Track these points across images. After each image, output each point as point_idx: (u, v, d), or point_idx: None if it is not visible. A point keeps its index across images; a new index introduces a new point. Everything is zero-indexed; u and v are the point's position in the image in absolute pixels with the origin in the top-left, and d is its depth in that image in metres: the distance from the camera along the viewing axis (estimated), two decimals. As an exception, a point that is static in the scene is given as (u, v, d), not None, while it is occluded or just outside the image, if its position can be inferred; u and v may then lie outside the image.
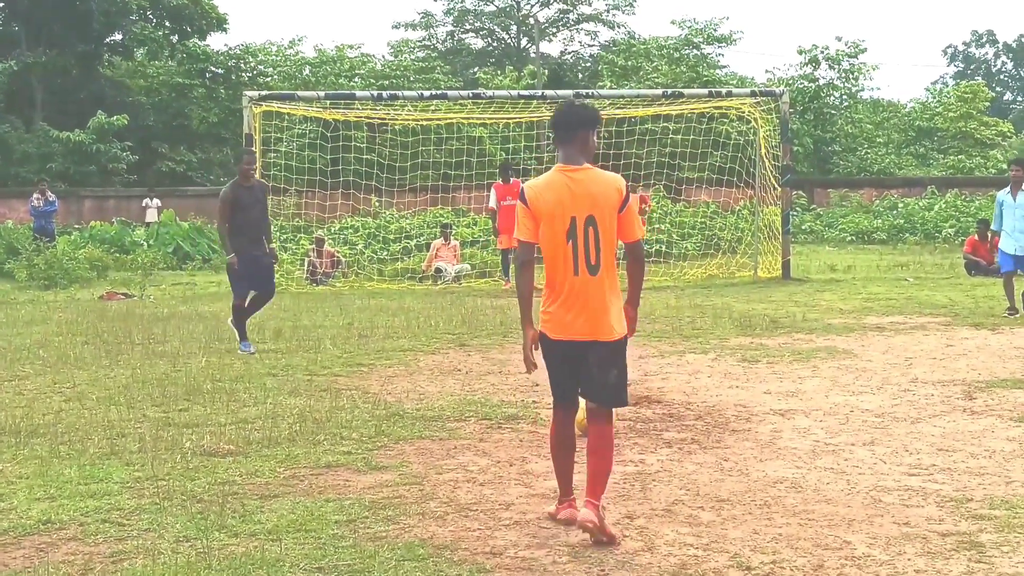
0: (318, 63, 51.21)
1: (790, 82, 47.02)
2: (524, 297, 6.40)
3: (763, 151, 23.59)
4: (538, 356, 6.41)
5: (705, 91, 28.49)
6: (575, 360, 6.33)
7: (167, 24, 50.03)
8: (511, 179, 22.61)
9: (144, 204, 37.85)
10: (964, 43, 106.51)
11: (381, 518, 6.46)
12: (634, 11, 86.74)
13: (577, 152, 6.37)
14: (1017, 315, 15.68)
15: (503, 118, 27.98)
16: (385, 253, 26.41)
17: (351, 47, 53.05)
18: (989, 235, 18.06)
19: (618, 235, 6.35)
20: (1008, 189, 16.21)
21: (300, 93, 29.20)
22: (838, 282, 21.56)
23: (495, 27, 72.56)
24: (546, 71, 58.28)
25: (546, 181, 6.41)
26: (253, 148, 14.41)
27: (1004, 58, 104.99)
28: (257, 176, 22.02)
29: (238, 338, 13.23)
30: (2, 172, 42.94)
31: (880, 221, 36.71)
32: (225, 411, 9.47)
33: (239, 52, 50.64)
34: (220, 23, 50.20)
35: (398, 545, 5.96)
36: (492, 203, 22.51)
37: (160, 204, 37.49)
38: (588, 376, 6.33)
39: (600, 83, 49.07)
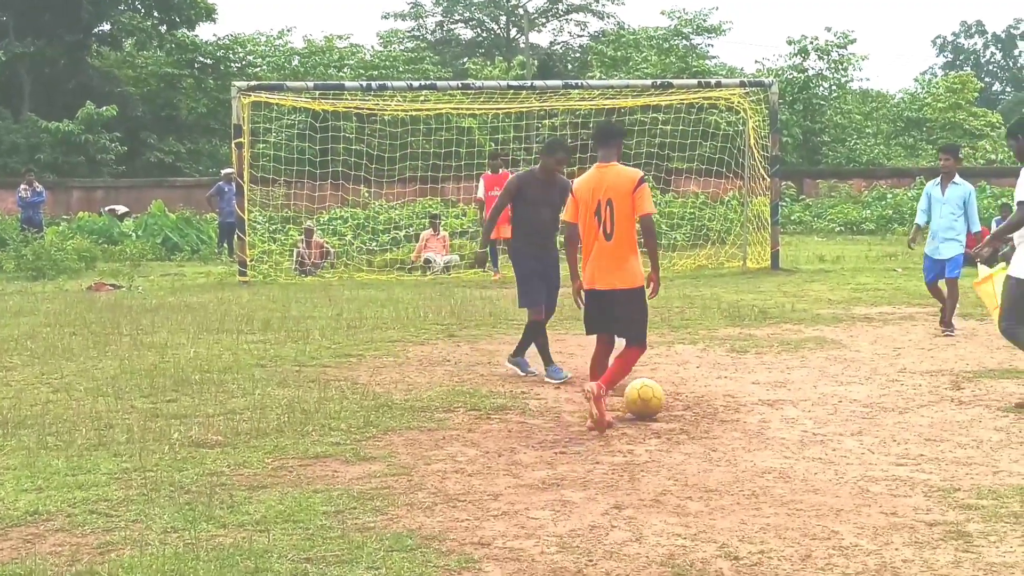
0: (307, 53, 51.11)
1: (779, 72, 47.01)
2: (571, 261, 9.28)
3: (752, 141, 23.58)
4: None
5: (694, 82, 28.49)
6: (600, 303, 8.86)
7: (156, 14, 49.77)
8: (500, 170, 22.58)
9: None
10: (953, 33, 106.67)
11: (369, 509, 6.46)
12: (623, 1, 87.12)
13: (611, 154, 8.89)
14: (953, 332, 13.40)
15: (492, 109, 27.89)
16: (374, 244, 26.35)
17: (340, 37, 52.98)
18: (913, 231, 14.89)
19: (633, 211, 8.69)
20: (938, 180, 14.17)
21: (289, 84, 29.10)
22: (827, 272, 21.59)
23: (484, 17, 72.52)
24: (535, 61, 58.26)
25: (586, 176, 8.99)
26: (567, 146, 11.77)
27: (993, 48, 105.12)
28: (245, 167, 22.23)
29: (542, 364, 10.86)
30: (-10, 163, 42.80)
31: (869, 211, 36.76)
32: (213, 402, 9.46)
33: (228, 42, 50.50)
34: (209, 13, 49.97)
35: (386, 536, 5.96)
36: (480, 194, 22.47)
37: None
38: (617, 318, 8.87)
39: (589, 73, 49.03)
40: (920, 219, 14.28)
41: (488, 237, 11.81)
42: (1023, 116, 14.15)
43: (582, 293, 9.06)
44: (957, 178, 14.01)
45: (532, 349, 10.91)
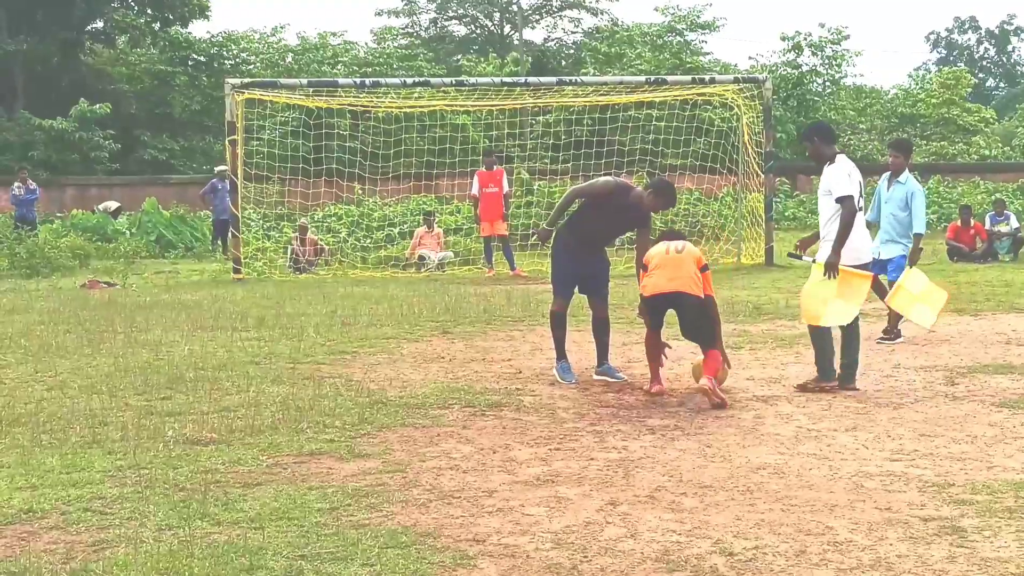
0: (301, 51, 51.00)
1: (773, 69, 46.93)
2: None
3: (746, 138, 23.60)
4: None
5: (688, 78, 28.48)
6: (663, 307, 9.81)
7: (149, 12, 49.62)
8: (494, 167, 22.59)
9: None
10: (947, 29, 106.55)
11: (364, 505, 6.45)
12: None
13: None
14: (899, 339, 12.78)
15: (486, 105, 27.92)
16: (368, 241, 26.36)
17: (334, 34, 52.82)
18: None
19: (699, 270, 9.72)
20: (887, 176, 13.26)
21: (283, 80, 29.10)
22: (821, 268, 21.54)
23: (478, 14, 72.42)
24: (529, 58, 58.14)
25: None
26: (675, 198, 11.35)
27: (986, 44, 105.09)
28: (239, 165, 22.20)
29: (555, 356, 10.70)
30: (-17, 160, 42.69)
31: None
32: (208, 399, 9.46)
33: (221, 40, 50.35)
34: (202, 10, 49.84)
35: (381, 532, 5.96)
36: (474, 190, 22.50)
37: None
38: (687, 326, 9.92)
39: (583, 70, 48.97)
40: (869, 215, 12.78)
41: (557, 218, 10.88)
42: (815, 122, 14.11)
43: (642, 302, 10.00)
44: (903, 176, 13.12)
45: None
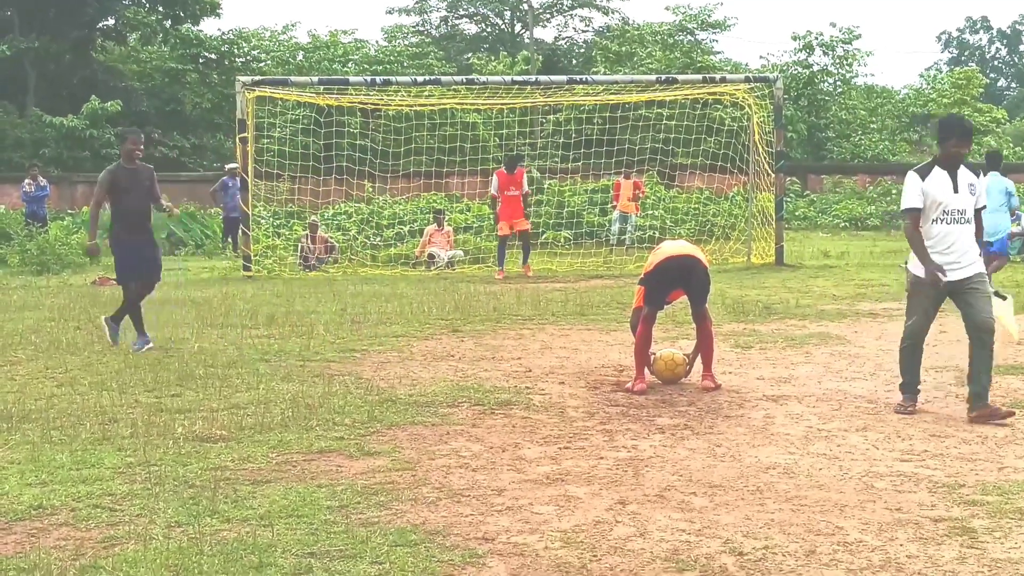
0: (311, 48, 51.09)
1: (784, 68, 46.96)
2: None
3: (757, 137, 23.56)
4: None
5: (699, 77, 28.44)
6: (673, 278, 9.97)
7: (160, 9, 49.75)
8: (515, 169, 22.39)
9: None
10: (958, 29, 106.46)
11: (373, 503, 6.45)
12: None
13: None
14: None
15: (497, 104, 27.91)
16: (378, 239, 26.38)
17: (345, 32, 52.99)
18: None
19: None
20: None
21: (293, 78, 29.12)
22: (831, 268, 21.56)
23: (489, 13, 72.42)
24: (540, 57, 58.19)
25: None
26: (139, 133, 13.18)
27: (998, 44, 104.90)
28: (250, 162, 22.24)
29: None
30: (-5, 158, 42.82)
31: (873, 207, 36.73)
32: (217, 397, 9.46)
33: (232, 37, 50.46)
34: (213, 8, 49.95)
35: (390, 530, 5.96)
36: (493, 190, 22.32)
37: None
38: (693, 288, 9.98)
39: (594, 69, 48.98)
40: None
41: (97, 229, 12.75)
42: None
43: (654, 274, 10.04)
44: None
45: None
